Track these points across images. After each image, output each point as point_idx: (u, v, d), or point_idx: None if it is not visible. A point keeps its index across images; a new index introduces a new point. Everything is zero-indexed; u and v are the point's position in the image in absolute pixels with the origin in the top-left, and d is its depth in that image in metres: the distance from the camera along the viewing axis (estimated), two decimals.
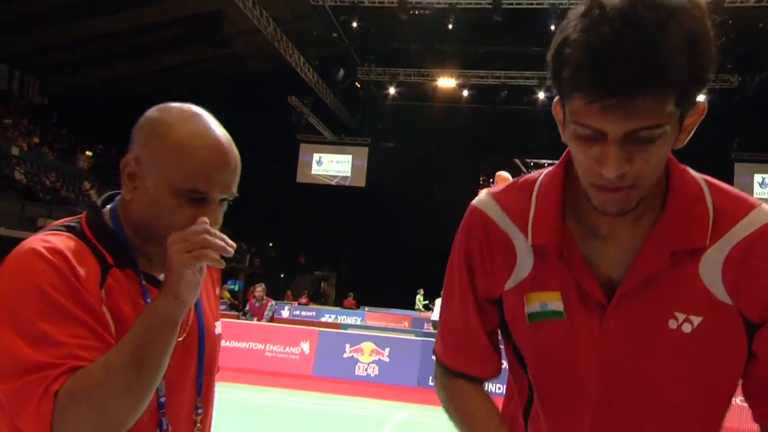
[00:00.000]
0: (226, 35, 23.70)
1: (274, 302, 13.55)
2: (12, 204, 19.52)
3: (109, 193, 1.28)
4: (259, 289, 12.31)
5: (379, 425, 7.61)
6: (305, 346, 11.28)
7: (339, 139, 28.68)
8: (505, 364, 1.22)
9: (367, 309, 23.00)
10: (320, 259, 30.77)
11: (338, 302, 26.04)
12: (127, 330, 1.11)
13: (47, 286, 1.05)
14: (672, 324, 1.00)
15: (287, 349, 11.32)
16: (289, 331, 11.98)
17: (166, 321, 1.08)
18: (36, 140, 24.17)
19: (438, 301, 17.69)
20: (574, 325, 1.05)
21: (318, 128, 26.89)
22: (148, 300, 1.18)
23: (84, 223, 1.20)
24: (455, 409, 1.21)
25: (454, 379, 1.23)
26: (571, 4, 19.34)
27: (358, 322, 19.36)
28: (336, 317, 20.62)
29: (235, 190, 1.21)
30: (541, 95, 24.83)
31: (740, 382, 1.07)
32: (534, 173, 1.17)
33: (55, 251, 1.09)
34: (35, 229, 19.40)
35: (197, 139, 1.16)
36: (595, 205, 0.99)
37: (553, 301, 1.06)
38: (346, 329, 14.17)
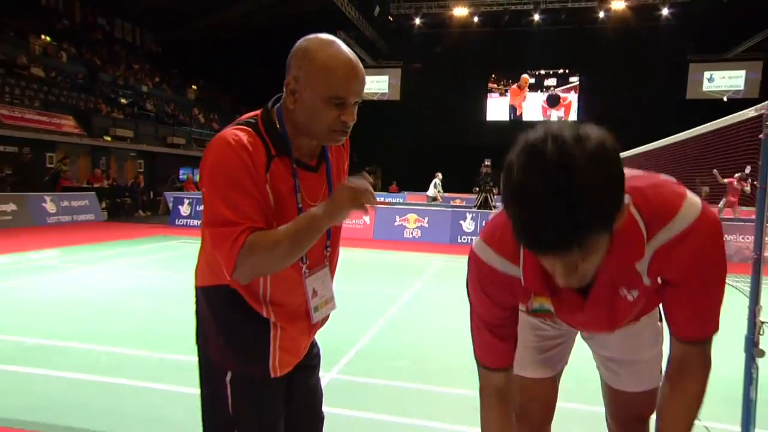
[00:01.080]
0: None
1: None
2: (148, 127, 19.90)
3: (276, 96, 1.28)
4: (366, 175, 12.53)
5: (424, 269, 7.88)
6: (366, 219, 11.42)
7: (377, 63, 27.79)
8: None
9: (406, 193, 23.33)
10: (369, 157, 30.85)
11: (384, 188, 26.40)
12: (283, 203, 1.23)
13: (236, 170, 1.15)
14: (622, 293, 1.10)
15: (354, 221, 11.45)
16: None
17: (320, 228, 1.18)
18: (157, 79, 24.20)
19: (435, 181, 17.57)
20: (560, 313, 1.18)
21: (360, 55, 26.05)
22: (297, 180, 1.25)
23: (260, 120, 1.24)
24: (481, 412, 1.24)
25: (485, 374, 1.23)
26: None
27: (401, 202, 19.75)
28: (384, 198, 20.93)
29: (363, 94, 1.22)
30: (536, 17, 23.38)
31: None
32: None
33: (242, 146, 1.16)
34: (166, 144, 20.01)
35: (335, 59, 1.18)
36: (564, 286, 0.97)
37: (546, 303, 1.15)
38: (394, 206, 14.48)
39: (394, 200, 20.12)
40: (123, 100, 20.20)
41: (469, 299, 1.20)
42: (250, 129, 1.21)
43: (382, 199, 20.51)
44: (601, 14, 22.93)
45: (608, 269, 1.02)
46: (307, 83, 1.18)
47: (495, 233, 1.12)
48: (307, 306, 1.34)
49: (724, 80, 24.47)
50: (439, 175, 18.69)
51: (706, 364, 1.10)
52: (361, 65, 1.22)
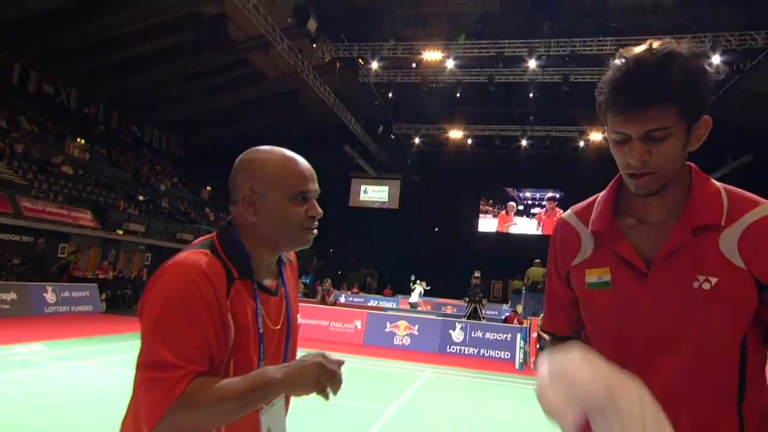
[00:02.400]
0: (300, 105, 24.14)
1: (336, 291, 13.62)
2: (160, 223, 20.06)
3: (225, 223, 1.17)
4: (327, 283, 12.42)
5: (412, 380, 7.55)
6: (358, 323, 11.20)
7: (379, 175, 28.75)
8: None
9: (400, 296, 22.90)
10: (366, 261, 30.79)
11: (379, 291, 25.98)
12: (244, 330, 1.08)
13: (193, 303, 1.00)
14: (695, 284, 0.96)
15: (345, 325, 11.23)
16: (347, 312, 11.90)
17: (273, 393, 1.02)
18: (175, 180, 24.87)
19: (416, 288, 17.26)
20: (617, 289, 1.03)
21: (364, 167, 27.04)
22: (259, 304, 1.12)
23: (217, 242, 1.12)
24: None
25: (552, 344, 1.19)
26: (544, 78, 19.33)
27: (394, 306, 19.31)
28: (378, 302, 20.57)
29: (318, 188, 1.18)
30: (524, 143, 24.62)
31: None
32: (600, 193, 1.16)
33: (202, 273, 1.02)
34: (175, 240, 20.03)
35: (286, 158, 1.14)
36: (632, 191, 1.00)
37: (604, 275, 1.04)
38: (386, 311, 14.15)
39: (387, 305, 19.69)
40: (141, 197, 20.56)
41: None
42: (208, 251, 1.08)
43: (376, 303, 20.03)
44: (581, 143, 24.11)
45: (683, 236, 0.98)
46: (266, 188, 1.11)
47: (579, 204, 1.17)
48: None
49: None
50: (423, 283, 18.53)
51: None
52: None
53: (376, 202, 28.39)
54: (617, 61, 0.96)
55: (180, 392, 0.95)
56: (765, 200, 1.00)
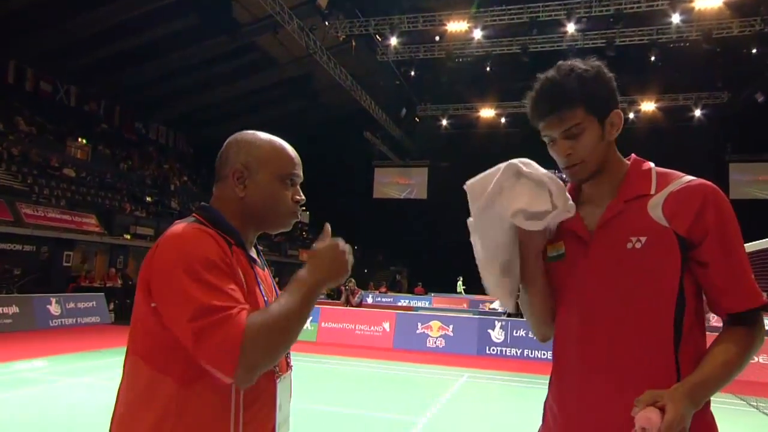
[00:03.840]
0: (315, 90, 24.12)
1: (362, 292, 13.56)
2: (169, 224, 20.42)
3: (202, 204, 1.26)
4: (351, 283, 12.33)
5: (446, 387, 7.38)
6: (386, 325, 11.19)
7: (404, 162, 28.57)
8: None
9: (433, 295, 22.70)
10: (395, 257, 30.71)
11: (410, 290, 25.84)
12: (251, 290, 1.16)
13: (213, 255, 1.08)
14: (629, 245, 1.19)
15: (372, 328, 11.24)
16: (374, 314, 11.86)
17: (319, 289, 1.14)
18: (185, 178, 25.28)
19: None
20: (569, 258, 1.28)
21: (388, 155, 26.90)
22: (256, 271, 1.23)
23: (200, 218, 1.19)
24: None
25: None
26: (585, 44, 18.65)
27: (427, 305, 19.12)
28: (409, 302, 20.43)
29: (302, 176, 1.30)
30: None
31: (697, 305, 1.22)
32: None
33: (205, 232, 1.12)
34: None
35: (277, 142, 1.28)
36: (570, 180, 1.32)
37: (560, 248, 1.30)
38: (417, 311, 13.99)
39: (419, 304, 19.53)
40: (149, 198, 20.92)
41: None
42: (196, 224, 1.16)
43: (407, 303, 19.94)
44: (631, 115, 23.30)
45: (616, 206, 1.24)
46: (259, 165, 1.22)
47: None
48: (273, 426, 1.18)
49: None
50: (460, 278, 18.29)
51: (748, 340, 1.17)
52: None
53: (403, 191, 28.25)
54: (535, 84, 1.28)
55: (243, 325, 1.01)
56: (684, 174, 1.25)
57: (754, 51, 18.12)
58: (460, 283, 23.06)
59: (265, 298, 1.20)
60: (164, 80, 21.35)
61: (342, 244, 1.19)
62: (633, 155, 1.33)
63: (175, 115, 25.18)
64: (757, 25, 16.65)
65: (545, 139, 1.29)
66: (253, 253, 1.28)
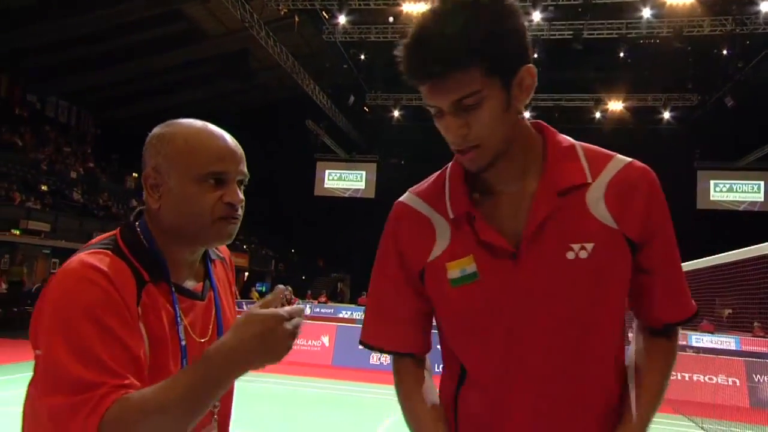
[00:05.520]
0: (251, 70, 23.76)
1: (300, 302, 13.49)
2: (71, 220, 19.52)
3: (138, 210, 1.20)
4: (288, 291, 12.26)
5: (391, 408, 7.48)
6: (325, 340, 11.26)
7: (350, 156, 28.63)
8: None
9: None
10: (336, 263, 30.68)
11: (353, 300, 25.90)
12: (161, 343, 1.07)
13: (97, 307, 0.99)
14: (570, 255, 1.03)
15: (309, 342, 11.25)
16: (311, 326, 11.86)
17: (222, 382, 0.97)
18: (91, 165, 24.29)
19: None
20: (486, 279, 1.07)
21: (332, 147, 26.88)
22: (179, 311, 1.13)
23: (119, 239, 1.12)
24: (402, 399, 1.20)
25: (398, 362, 1.22)
26: (551, 34, 19.44)
27: None
28: (352, 313, 20.45)
29: (245, 170, 1.17)
30: (527, 114, 24.51)
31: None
32: (442, 169, 1.22)
33: (101, 273, 1.02)
34: None
35: (201, 133, 1.15)
36: (466, 167, 1.09)
37: (469, 265, 1.07)
38: (360, 324, 14.04)
39: (362, 316, 19.55)
40: (44, 187, 19.95)
41: (374, 278, 1.21)
42: (109, 252, 1.08)
43: (349, 314, 19.96)
44: (598, 114, 24.37)
45: (549, 202, 1.04)
46: (171, 167, 1.11)
47: (420, 185, 1.24)
48: None
49: (739, 191, 25.65)
50: None
51: (673, 353, 1.16)
52: (232, 138, 1.19)
53: (348, 189, 28.32)
54: (413, 27, 1.01)
55: (102, 413, 0.91)
56: (613, 152, 1.12)
57: (724, 52, 19.40)
58: None
59: (183, 343, 1.11)
60: (68, 46, 20.32)
61: (287, 321, 0.98)
62: (539, 122, 1.16)
63: (80, 89, 24.06)
64: (728, 25, 17.81)
65: (429, 108, 1.05)
66: (191, 280, 1.19)
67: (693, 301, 1.17)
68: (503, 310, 1.06)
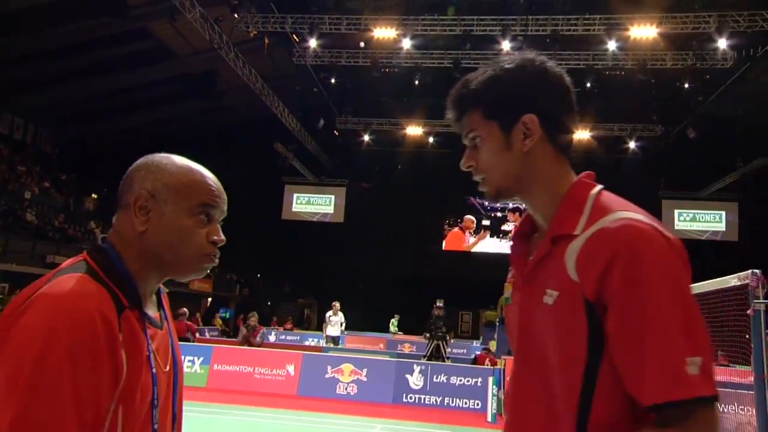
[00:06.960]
0: (219, 91, 23.69)
1: (264, 330, 13.34)
2: (24, 243, 18.98)
3: (103, 236, 1.21)
4: (253, 318, 12.11)
5: None
6: (291, 369, 11.08)
7: (319, 180, 28.60)
8: None
9: (346, 333, 22.63)
10: (303, 288, 30.42)
11: (319, 327, 25.63)
12: (136, 371, 1.07)
13: (79, 342, 0.98)
14: (546, 299, 1.11)
15: (274, 371, 11.10)
16: (276, 354, 11.72)
17: None
18: (46, 184, 23.70)
19: (336, 316, 16.74)
20: (512, 305, 1.25)
21: (301, 171, 26.84)
22: (149, 339, 1.14)
23: (92, 263, 1.12)
24: None
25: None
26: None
27: (338, 346, 19.02)
28: (318, 341, 20.22)
29: (225, 211, 1.26)
30: None
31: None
32: None
33: (96, 307, 1.02)
34: (45, 265, 18.94)
35: (195, 171, 1.22)
36: None
37: (509, 291, 1.28)
38: (327, 352, 13.92)
39: (329, 344, 19.37)
40: None
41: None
42: (88, 276, 1.07)
43: (315, 342, 19.73)
44: None
45: (545, 247, 1.14)
46: (168, 195, 1.16)
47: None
48: None
49: (702, 221, 26.49)
50: (397, 315, 18.13)
51: None
52: None
53: (316, 214, 28.20)
54: None
55: None
56: (623, 209, 1.09)
57: (686, 85, 20.23)
58: (394, 321, 23.29)
59: (154, 371, 1.13)
60: (26, 61, 19.94)
61: None
62: (585, 173, 1.22)
63: (37, 106, 23.57)
64: (689, 60, 18.64)
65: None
66: (151, 308, 1.22)
67: (693, 383, 0.96)
68: (513, 334, 1.24)
